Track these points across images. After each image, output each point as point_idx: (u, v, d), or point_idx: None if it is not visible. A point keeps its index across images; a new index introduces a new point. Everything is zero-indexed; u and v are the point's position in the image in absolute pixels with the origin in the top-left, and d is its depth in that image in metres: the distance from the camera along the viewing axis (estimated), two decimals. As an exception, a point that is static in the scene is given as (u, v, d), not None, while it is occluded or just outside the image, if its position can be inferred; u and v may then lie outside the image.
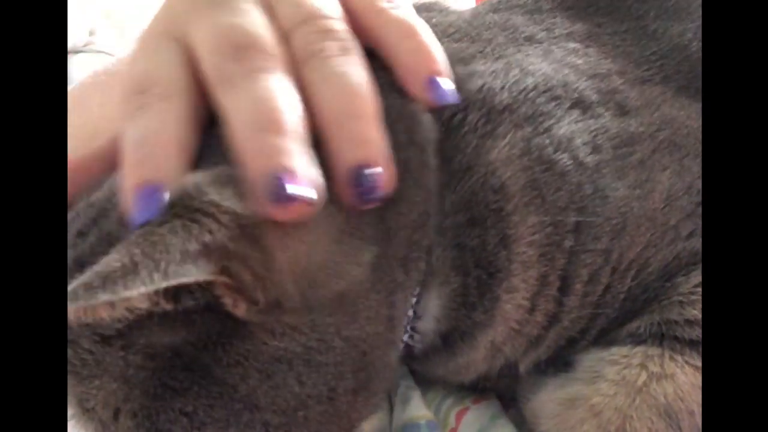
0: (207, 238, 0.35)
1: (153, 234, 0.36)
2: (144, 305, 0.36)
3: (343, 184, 0.39)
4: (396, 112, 0.45)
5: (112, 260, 0.35)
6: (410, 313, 0.47)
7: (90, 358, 0.39)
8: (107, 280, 0.34)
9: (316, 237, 0.39)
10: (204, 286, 0.36)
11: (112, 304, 0.35)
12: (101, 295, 0.34)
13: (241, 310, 0.37)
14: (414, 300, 0.46)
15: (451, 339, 0.48)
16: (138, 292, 0.34)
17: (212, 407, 0.38)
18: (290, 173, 0.36)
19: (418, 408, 0.52)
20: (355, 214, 0.41)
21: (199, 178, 0.39)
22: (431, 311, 0.47)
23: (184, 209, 0.37)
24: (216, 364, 0.38)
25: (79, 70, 2.13)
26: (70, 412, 0.42)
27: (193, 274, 0.34)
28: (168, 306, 0.37)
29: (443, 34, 0.53)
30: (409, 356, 0.52)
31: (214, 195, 0.37)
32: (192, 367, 0.38)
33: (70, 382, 0.40)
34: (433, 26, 0.53)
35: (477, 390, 0.54)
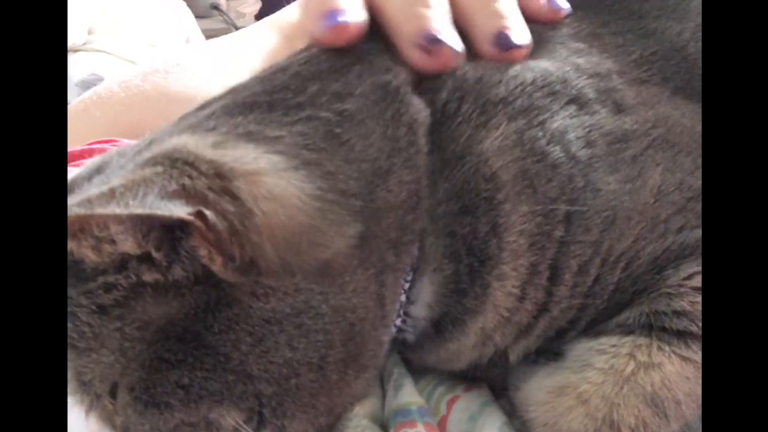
0: (186, 181, 0.38)
1: (135, 174, 0.38)
2: (130, 247, 0.38)
3: (487, 46, 0.51)
4: (383, 90, 0.47)
5: (93, 191, 0.38)
6: (403, 298, 0.48)
7: (88, 331, 0.40)
8: (84, 202, 0.36)
9: (295, 201, 0.40)
10: (183, 238, 0.38)
11: (97, 244, 0.37)
12: (76, 209, 0.36)
13: (217, 264, 0.38)
14: (407, 285, 0.48)
15: (442, 325, 0.49)
16: (112, 212, 0.36)
17: (206, 379, 0.40)
18: (435, 31, 0.49)
19: (410, 394, 0.52)
20: (342, 181, 0.43)
21: (187, 140, 0.42)
22: (424, 297, 0.48)
23: (167, 159, 0.40)
24: (208, 332, 0.39)
25: (77, 69, 2.14)
26: (69, 386, 0.43)
27: (170, 209, 0.36)
28: (156, 254, 0.38)
29: None
30: (402, 344, 0.53)
31: (196, 150, 0.40)
32: (185, 338, 0.39)
33: (69, 356, 0.41)
34: None
35: (468, 379, 0.54)
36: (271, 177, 0.40)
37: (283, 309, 0.40)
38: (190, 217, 0.37)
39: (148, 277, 0.39)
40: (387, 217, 0.45)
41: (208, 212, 0.37)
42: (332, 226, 0.42)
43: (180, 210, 0.37)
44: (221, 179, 0.39)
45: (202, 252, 0.38)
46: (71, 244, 0.37)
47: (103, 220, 0.36)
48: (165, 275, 0.39)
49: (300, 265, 0.40)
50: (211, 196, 0.38)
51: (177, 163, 0.39)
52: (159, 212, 0.36)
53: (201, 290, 0.39)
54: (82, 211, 0.36)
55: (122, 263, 0.39)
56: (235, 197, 0.39)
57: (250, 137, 0.43)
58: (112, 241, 0.37)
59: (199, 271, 0.39)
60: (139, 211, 0.36)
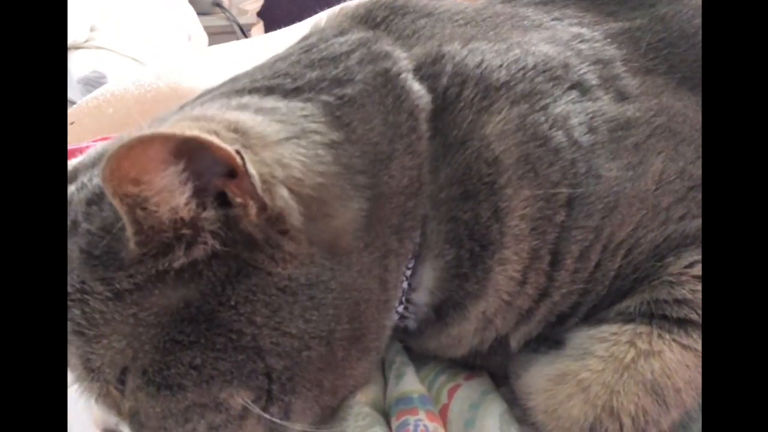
0: (214, 126, 0.38)
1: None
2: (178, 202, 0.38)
3: None
4: (383, 77, 0.47)
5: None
6: (405, 285, 0.48)
7: (99, 317, 0.40)
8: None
9: (298, 174, 0.40)
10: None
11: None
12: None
13: (252, 211, 0.38)
14: (409, 272, 0.48)
15: (443, 310, 0.49)
16: (163, 133, 0.35)
17: (218, 359, 0.40)
18: None
19: (412, 383, 0.52)
20: (344, 156, 0.43)
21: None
22: (426, 283, 0.49)
23: (186, 120, 0.40)
24: (222, 307, 0.40)
25: (79, 66, 2.14)
26: (71, 376, 0.43)
27: (215, 140, 0.36)
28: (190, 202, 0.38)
29: (450, 20, 0.55)
30: (404, 332, 0.53)
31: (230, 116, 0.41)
32: (198, 318, 0.40)
33: (75, 343, 0.41)
34: (442, 12, 0.55)
35: (469, 367, 0.55)
36: (275, 146, 0.41)
37: (298, 277, 0.40)
38: (233, 150, 0.36)
39: (176, 263, 0.39)
40: (389, 202, 0.45)
41: (245, 154, 0.37)
42: (337, 196, 0.42)
43: (223, 141, 0.36)
44: (239, 134, 0.39)
45: (238, 201, 0.38)
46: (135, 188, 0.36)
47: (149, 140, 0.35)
48: (187, 253, 0.39)
49: (316, 236, 0.41)
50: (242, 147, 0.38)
51: (198, 120, 0.39)
52: (205, 137, 0.35)
53: (220, 264, 0.39)
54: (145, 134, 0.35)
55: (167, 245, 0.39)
56: (255, 152, 0.39)
57: (244, 108, 0.43)
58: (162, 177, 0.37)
59: (222, 234, 0.39)
60: (188, 134, 0.35)
